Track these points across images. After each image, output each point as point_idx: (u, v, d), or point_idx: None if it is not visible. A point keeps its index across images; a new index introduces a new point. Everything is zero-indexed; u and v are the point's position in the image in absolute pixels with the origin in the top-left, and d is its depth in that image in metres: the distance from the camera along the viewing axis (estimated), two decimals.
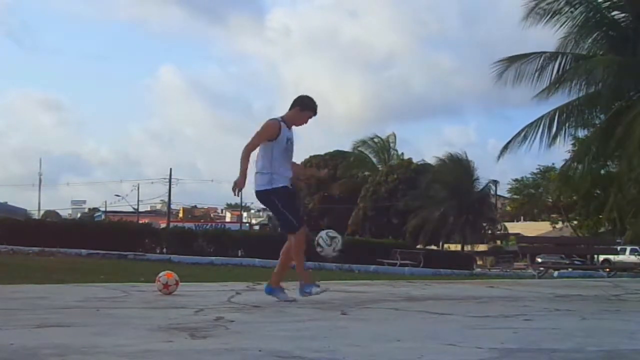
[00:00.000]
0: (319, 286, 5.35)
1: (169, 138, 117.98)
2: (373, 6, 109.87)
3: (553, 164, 42.02)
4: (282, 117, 5.41)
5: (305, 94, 5.56)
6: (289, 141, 5.38)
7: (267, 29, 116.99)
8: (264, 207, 5.58)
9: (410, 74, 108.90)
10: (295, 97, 5.51)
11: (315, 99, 5.51)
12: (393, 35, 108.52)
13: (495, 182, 44.25)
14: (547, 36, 17.37)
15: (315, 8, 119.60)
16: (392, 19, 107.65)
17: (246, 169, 5.26)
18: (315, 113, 5.49)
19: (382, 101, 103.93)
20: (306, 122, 5.50)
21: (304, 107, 5.44)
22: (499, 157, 17.93)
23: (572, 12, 16.65)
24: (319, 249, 5.50)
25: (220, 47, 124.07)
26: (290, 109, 5.46)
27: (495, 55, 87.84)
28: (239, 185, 5.26)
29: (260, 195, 5.35)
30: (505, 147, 17.56)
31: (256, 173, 5.36)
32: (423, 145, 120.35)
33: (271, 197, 5.31)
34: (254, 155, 5.33)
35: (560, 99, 17.02)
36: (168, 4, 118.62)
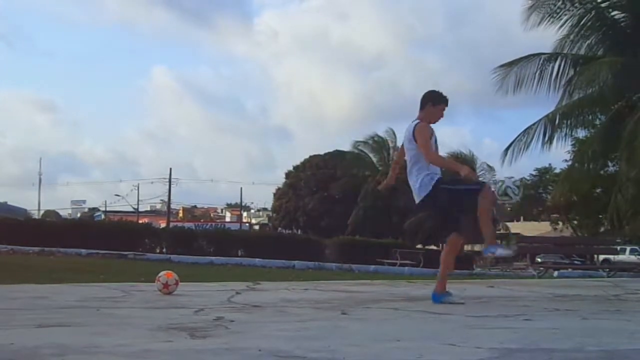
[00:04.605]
0: (451, 295, 5.22)
1: (164, 138, 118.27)
2: (361, 9, 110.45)
3: (550, 164, 42.17)
4: (420, 119, 5.31)
5: (430, 90, 5.41)
6: (436, 141, 5.34)
7: (256, 32, 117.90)
8: (428, 210, 5.47)
9: (400, 75, 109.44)
10: (423, 93, 5.37)
11: (442, 91, 5.39)
12: (382, 37, 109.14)
13: (495, 183, 44.18)
14: (537, 36, 17.41)
15: (303, 11, 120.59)
16: (380, 21, 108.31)
17: (451, 162, 5.19)
18: (447, 104, 5.36)
19: (373, 102, 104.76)
20: (442, 115, 5.37)
21: (437, 101, 5.32)
22: (502, 161, 17.80)
23: (571, 12, 16.65)
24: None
25: (210, 49, 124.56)
26: (421, 108, 5.33)
27: (483, 56, 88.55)
28: (470, 173, 5.14)
29: (427, 197, 5.19)
30: (507, 150, 17.53)
31: (415, 176, 5.23)
32: None
33: (438, 196, 5.17)
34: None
35: (562, 100, 17.03)
36: (156, 7, 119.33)
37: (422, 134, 5.18)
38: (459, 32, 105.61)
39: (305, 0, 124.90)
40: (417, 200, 5.31)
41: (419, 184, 5.24)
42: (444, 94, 5.37)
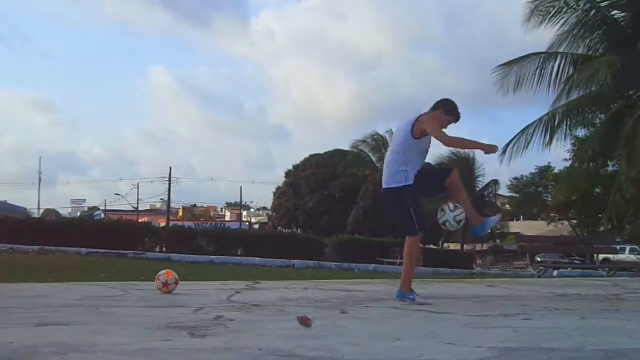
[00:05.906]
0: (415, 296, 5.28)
1: (163, 138, 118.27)
2: (358, 9, 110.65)
3: (549, 163, 42.20)
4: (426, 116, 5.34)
5: (448, 98, 5.48)
6: (430, 143, 5.35)
7: (253, 32, 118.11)
8: (391, 204, 5.41)
9: (398, 75, 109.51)
10: (438, 99, 5.46)
11: (458, 106, 5.45)
12: (380, 37, 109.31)
13: (496, 182, 44.22)
14: (536, 36, 17.36)
15: (301, 11, 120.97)
16: (378, 21, 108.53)
17: (469, 141, 5.57)
18: (457, 120, 5.41)
19: (372, 102, 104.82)
20: (446, 127, 5.36)
21: (449, 112, 5.35)
22: (501, 159, 17.77)
23: (571, 12, 16.63)
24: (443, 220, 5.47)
25: (208, 49, 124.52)
26: (433, 109, 5.37)
27: (481, 56, 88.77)
28: (492, 149, 5.26)
29: (391, 192, 5.28)
30: (505, 149, 17.49)
31: (393, 165, 5.29)
32: None
33: (403, 195, 5.23)
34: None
35: (560, 99, 17.01)
36: (154, 7, 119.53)
37: (433, 124, 5.19)
38: (457, 33, 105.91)
39: (303, 0, 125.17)
40: (384, 185, 5.40)
41: (392, 174, 5.29)
42: (459, 111, 5.43)
